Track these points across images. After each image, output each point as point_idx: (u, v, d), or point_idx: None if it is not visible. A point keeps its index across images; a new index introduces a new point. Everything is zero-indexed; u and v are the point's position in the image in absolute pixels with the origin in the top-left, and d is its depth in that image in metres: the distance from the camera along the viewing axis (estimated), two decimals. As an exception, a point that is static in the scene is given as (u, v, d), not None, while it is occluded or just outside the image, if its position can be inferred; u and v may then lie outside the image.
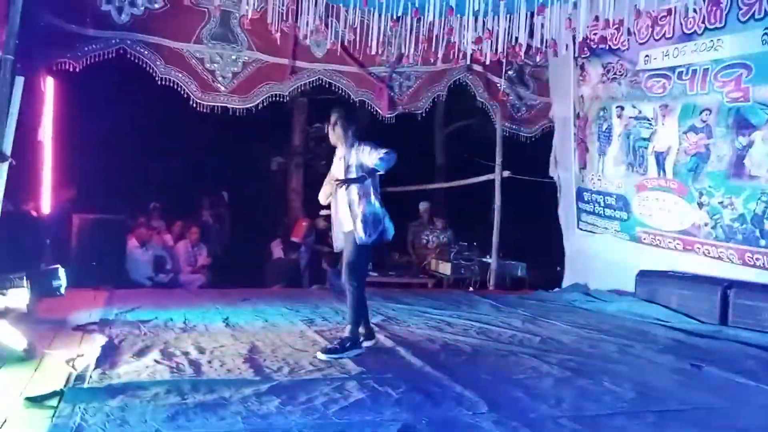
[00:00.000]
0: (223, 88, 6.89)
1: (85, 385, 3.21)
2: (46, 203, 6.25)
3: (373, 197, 4.27)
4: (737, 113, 6.09)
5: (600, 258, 7.86)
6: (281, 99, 7.35)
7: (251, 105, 7.06)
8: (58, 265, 4.94)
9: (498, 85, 8.22)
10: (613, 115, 7.53)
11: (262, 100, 7.12)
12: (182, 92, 6.83)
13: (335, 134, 4.33)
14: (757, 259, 5.97)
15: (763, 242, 5.90)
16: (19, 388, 3.08)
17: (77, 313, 5.19)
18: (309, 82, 7.35)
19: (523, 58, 6.68)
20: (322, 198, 4.53)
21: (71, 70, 6.36)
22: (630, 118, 7.31)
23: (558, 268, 8.84)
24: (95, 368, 3.52)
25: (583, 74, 7.90)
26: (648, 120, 7.09)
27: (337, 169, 4.37)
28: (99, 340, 4.23)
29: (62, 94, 6.50)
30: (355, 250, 4.28)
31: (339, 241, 4.52)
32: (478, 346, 4.89)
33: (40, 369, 3.57)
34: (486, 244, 8.66)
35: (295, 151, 11.64)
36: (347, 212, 4.27)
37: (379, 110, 7.69)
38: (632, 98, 7.26)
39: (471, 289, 8.25)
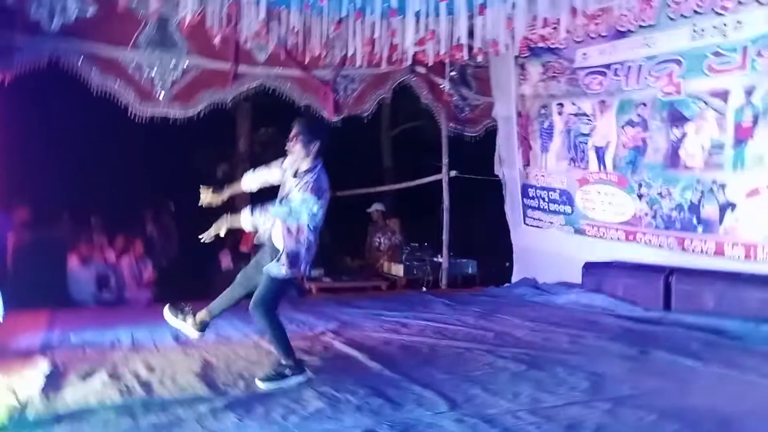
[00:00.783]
0: (162, 97, 6.68)
1: (30, 415, 3.05)
2: (-23, 223, 5.94)
3: (300, 234, 3.74)
4: (671, 107, 6.33)
5: (547, 252, 8.02)
6: (224, 105, 7.19)
7: (192, 113, 6.88)
8: (-7, 289, 4.69)
9: (441, 86, 8.29)
10: (553, 113, 7.71)
11: (205, 107, 6.94)
12: (120, 103, 6.59)
13: (293, 150, 3.80)
14: (695, 245, 6.21)
15: (700, 229, 6.14)
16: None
17: (17, 338, 4.95)
18: (252, 87, 7.22)
19: (465, 58, 6.74)
20: (246, 183, 4.07)
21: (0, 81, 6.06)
22: (570, 114, 7.50)
23: (507, 264, 8.99)
24: (39, 395, 3.36)
25: (523, 73, 8.06)
26: (587, 116, 7.29)
27: (278, 174, 3.95)
28: (42, 364, 4.04)
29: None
30: (268, 289, 3.79)
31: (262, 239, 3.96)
32: (434, 345, 4.92)
33: (-21, 399, 3.38)
34: (437, 243, 8.72)
35: (241, 158, 11.43)
36: (273, 233, 3.81)
37: (324, 114, 7.63)
38: (571, 95, 7.45)
39: (424, 288, 8.30)
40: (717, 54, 5.85)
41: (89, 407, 3.20)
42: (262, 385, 3.64)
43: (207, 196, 3.99)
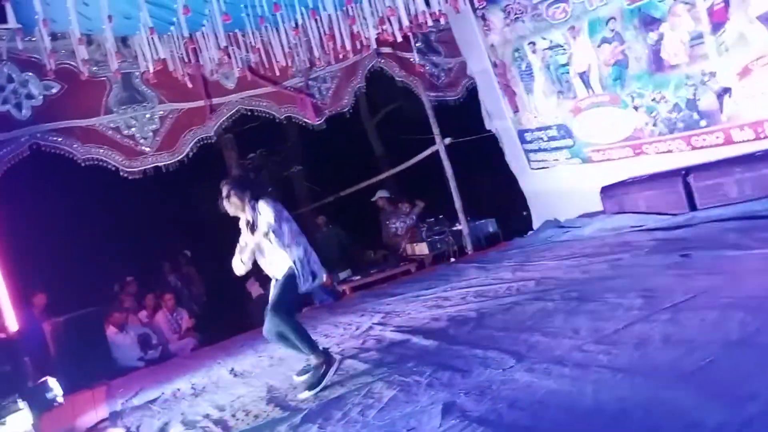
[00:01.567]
0: (148, 149, 6.71)
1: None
2: (11, 321, 5.98)
3: (297, 243, 4.10)
4: (640, 12, 6.28)
5: (559, 189, 8.01)
6: (209, 140, 7.19)
7: (181, 156, 6.89)
8: (47, 377, 4.74)
9: (411, 60, 8.27)
10: (527, 53, 7.66)
11: (191, 148, 6.96)
12: (110, 166, 6.62)
13: (232, 205, 4.16)
14: (703, 140, 6.19)
15: (703, 123, 6.12)
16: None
17: (83, 417, 5.01)
18: (230, 115, 7.22)
19: (429, 24, 6.69)
20: (240, 268, 4.22)
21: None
22: (544, 50, 7.45)
23: (524, 213, 8.99)
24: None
25: (486, 23, 8.01)
26: (561, 46, 7.24)
27: (247, 236, 4.15)
28: (116, 430, 4.09)
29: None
30: (283, 291, 4.08)
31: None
32: (480, 308, 4.92)
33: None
34: (452, 212, 8.72)
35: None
36: (279, 263, 4.10)
37: (306, 121, 7.63)
38: (540, 31, 7.40)
39: (452, 259, 8.31)
40: (670, -53, 5.80)
41: (175, 459, 3.24)
42: (308, 395, 3.74)
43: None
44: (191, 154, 6.98)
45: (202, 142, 7.08)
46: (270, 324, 4.02)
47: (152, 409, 4.61)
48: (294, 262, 4.03)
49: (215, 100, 7.07)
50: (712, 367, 2.50)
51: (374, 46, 7.15)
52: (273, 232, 3.97)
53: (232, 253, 4.22)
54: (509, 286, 5.49)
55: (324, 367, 3.90)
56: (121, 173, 6.65)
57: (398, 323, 5.21)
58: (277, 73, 7.05)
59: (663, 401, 2.32)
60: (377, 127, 13.43)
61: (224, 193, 4.17)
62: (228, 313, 9.37)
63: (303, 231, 4.24)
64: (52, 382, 4.68)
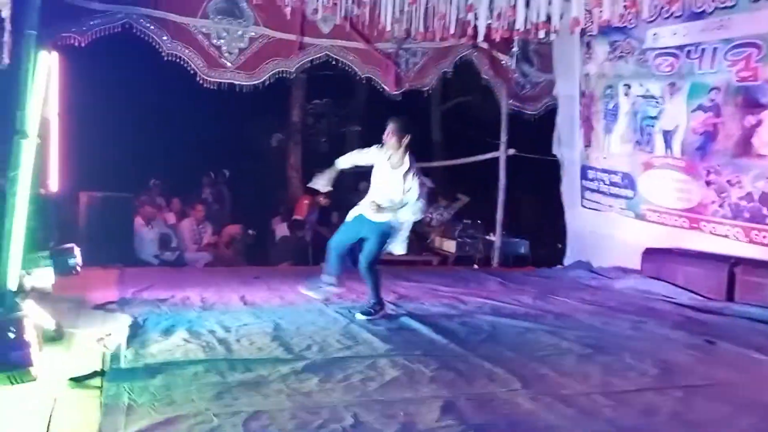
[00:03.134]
0: (229, 64, 6.80)
1: (123, 365, 3.21)
2: (54, 181, 6.15)
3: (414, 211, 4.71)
4: (746, 92, 6.13)
5: (603, 235, 7.92)
6: (288, 75, 7.26)
7: (258, 82, 6.97)
8: (73, 244, 4.88)
9: (503, 62, 8.19)
10: (620, 93, 7.54)
11: (269, 77, 7.03)
12: (188, 68, 6.72)
13: (390, 141, 4.64)
14: (763, 236, 6.07)
15: (770, 220, 5.99)
16: (58, 368, 3.07)
17: (93, 292, 5.18)
18: (316, 58, 7.26)
19: (537, 35, 6.59)
20: (340, 163, 4.94)
21: (76, 45, 6.23)
22: (637, 96, 7.32)
23: (559, 246, 8.93)
24: (127, 347, 3.53)
25: (589, 52, 7.88)
26: (655, 98, 7.11)
27: (384, 172, 4.69)
28: (123, 319, 4.23)
29: (66, 70, 6.37)
30: (379, 242, 4.74)
31: (353, 214, 4.94)
32: (494, 323, 4.94)
33: (72, 348, 3.56)
34: (490, 221, 8.70)
35: (295, 128, 11.55)
36: (391, 208, 4.63)
37: (386, 87, 7.63)
38: (639, 76, 7.26)
39: (476, 266, 8.31)
40: (802, 39, 5.63)
41: (177, 361, 3.34)
42: (361, 317, 4.66)
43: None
44: (267, 83, 7.05)
45: (280, 75, 7.14)
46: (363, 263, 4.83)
47: (160, 308, 4.75)
48: (397, 222, 4.66)
49: (307, 39, 7.10)
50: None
51: (481, 38, 7.08)
52: (411, 184, 4.54)
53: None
54: (527, 312, 5.50)
55: (381, 309, 4.79)
56: (198, 79, 6.75)
57: (411, 309, 5.25)
58: (374, 33, 7.05)
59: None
60: (443, 115, 13.37)
61: (389, 129, 4.63)
62: (247, 243, 9.50)
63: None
64: (77, 250, 4.81)
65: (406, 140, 4.62)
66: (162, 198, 9.11)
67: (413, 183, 4.58)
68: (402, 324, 4.68)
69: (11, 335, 2.55)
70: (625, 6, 6.14)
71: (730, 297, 6.04)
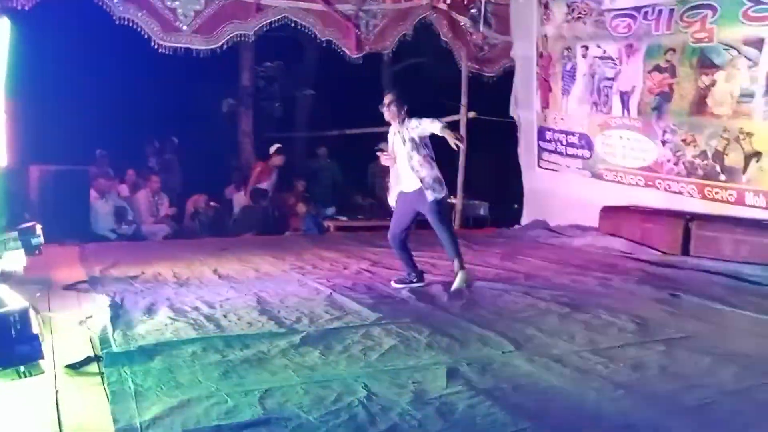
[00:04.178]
0: (185, 28, 6.49)
1: (116, 349, 3.11)
2: (2, 156, 5.79)
3: (432, 162, 4.89)
4: (701, 53, 6.33)
5: (560, 195, 8.13)
6: (246, 39, 7.01)
7: (215, 46, 6.71)
8: (35, 222, 4.65)
9: (462, 24, 8.15)
10: (577, 55, 7.66)
11: (227, 41, 6.77)
12: (142, 32, 6.38)
13: (390, 112, 4.81)
14: (716, 192, 6.36)
15: (723, 177, 6.28)
16: (48, 355, 2.94)
17: (57, 272, 4.97)
18: (274, 21, 7.03)
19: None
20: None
21: (19, 8, 5.81)
22: (595, 57, 7.46)
23: (516, 206, 9.11)
24: (114, 330, 3.41)
25: (546, 13, 7.94)
26: (613, 59, 7.25)
27: (396, 143, 4.86)
28: (99, 299, 4.08)
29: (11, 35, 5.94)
30: (435, 207, 4.86)
31: (392, 199, 5.13)
32: (473, 286, 5.01)
33: (54, 332, 3.42)
34: (450, 184, 8.74)
35: (245, 92, 11.21)
36: (411, 175, 4.82)
37: (346, 51, 7.48)
38: (597, 38, 7.39)
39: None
40: (755, 1, 5.82)
41: (170, 342, 3.25)
42: (395, 285, 4.87)
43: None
44: (225, 47, 6.79)
45: (238, 39, 6.89)
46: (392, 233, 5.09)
47: (134, 286, 4.61)
48: (431, 178, 4.81)
49: (265, 0, 6.85)
50: (713, 409, 2.65)
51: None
52: (416, 145, 4.72)
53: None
54: (497, 273, 5.62)
55: (416, 278, 4.96)
56: (153, 44, 6.43)
57: (387, 276, 5.28)
58: (334, -6, 6.88)
59: (668, 427, 2.45)
60: (395, 76, 13.22)
61: (386, 101, 4.79)
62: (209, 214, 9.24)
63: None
64: (39, 228, 4.59)
65: (404, 109, 4.78)
66: (112, 169, 8.74)
67: (417, 121, 4.72)
68: (384, 293, 4.70)
69: (16, 328, 2.42)
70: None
71: (685, 251, 6.33)
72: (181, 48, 6.63)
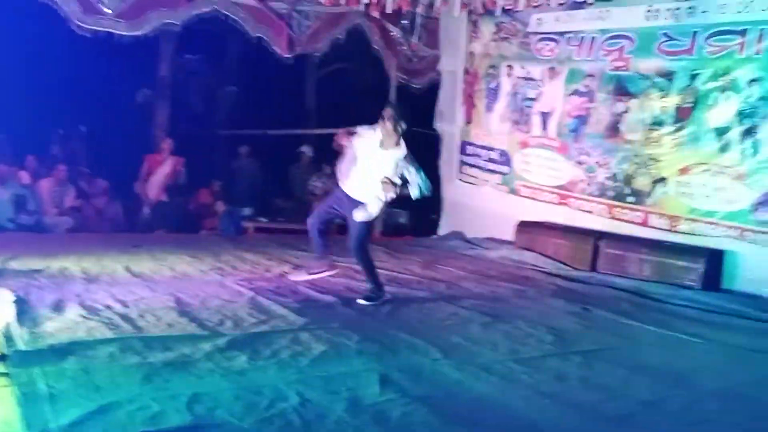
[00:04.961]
0: (108, 11, 6.12)
1: (24, 347, 2.85)
2: None
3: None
4: (618, 81, 6.70)
5: (477, 208, 8.34)
6: (172, 27, 6.71)
7: (140, 33, 6.38)
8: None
9: (393, 34, 8.22)
10: (502, 74, 7.90)
11: (153, 29, 6.45)
12: (61, 12, 5.96)
13: (386, 129, 4.67)
14: (624, 213, 6.73)
15: (630, 199, 6.65)
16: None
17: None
18: (203, 12, 6.78)
19: (423, 7, 6.66)
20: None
21: None
22: (518, 77, 7.72)
23: (433, 216, 9.26)
24: (20, 327, 3.14)
25: (475, 30, 8.15)
26: (535, 80, 7.54)
27: (373, 152, 4.69)
28: (3, 293, 3.75)
29: None
30: (362, 225, 4.72)
31: (347, 188, 4.80)
32: (395, 293, 5.01)
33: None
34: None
35: (163, 83, 10.74)
36: (366, 187, 4.64)
37: (277, 49, 7.34)
38: (522, 58, 7.65)
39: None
40: (667, 36, 6.24)
41: (84, 341, 3.03)
42: (363, 302, 4.57)
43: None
44: (151, 35, 6.48)
45: (165, 27, 6.59)
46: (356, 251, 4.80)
47: (39, 281, 4.28)
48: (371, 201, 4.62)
49: (195, -10, 6.59)
50: (633, 419, 2.78)
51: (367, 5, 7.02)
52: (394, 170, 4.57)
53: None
54: (419, 281, 5.68)
55: (381, 293, 4.71)
56: (72, 25, 6.02)
57: (311, 281, 5.18)
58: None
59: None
60: (320, 81, 13.13)
61: (386, 116, 4.66)
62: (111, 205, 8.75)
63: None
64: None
65: (401, 126, 4.71)
66: (11, 155, 8.10)
67: (410, 165, 4.69)
68: (309, 296, 4.61)
69: None
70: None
71: (593, 267, 6.65)
72: (100, 32, 6.23)
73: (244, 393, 2.56)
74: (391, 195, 4.60)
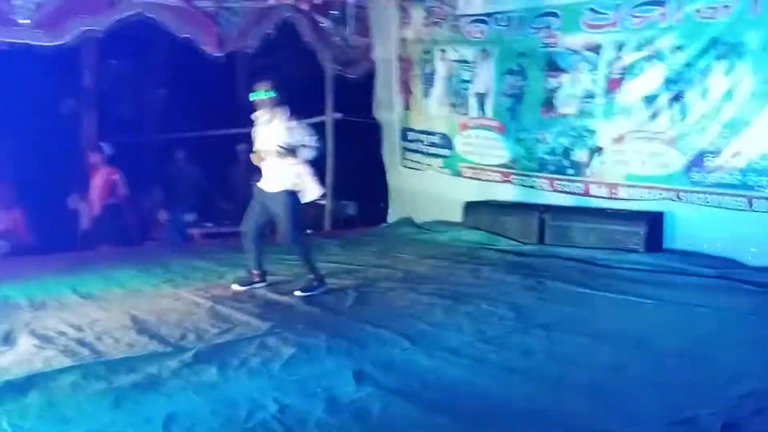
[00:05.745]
0: (27, 21, 5.80)
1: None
2: None
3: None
4: (549, 57, 6.86)
5: (423, 192, 8.42)
6: (95, 35, 6.43)
7: (60, 42, 6.08)
8: None
9: (324, 25, 8.14)
10: (435, 58, 7.95)
11: (74, 37, 6.17)
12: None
13: (263, 101, 4.81)
14: (565, 185, 6.94)
15: (570, 171, 6.86)
16: None
17: None
18: (128, 17, 6.51)
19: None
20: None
21: None
22: (452, 61, 7.79)
23: (381, 204, 9.29)
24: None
25: (405, 16, 8.16)
26: (468, 63, 7.63)
27: (261, 130, 4.87)
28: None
29: None
30: (290, 209, 4.77)
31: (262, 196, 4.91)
32: (355, 286, 5.03)
33: None
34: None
35: (87, 92, 10.30)
36: (278, 175, 4.75)
37: (206, 48, 7.14)
38: (454, 42, 7.72)
39: (309, 231, 8.31)
40: (592, 10, 6.42)
41: (43, 372, 2.90)
42: (299, 294, 4.62)
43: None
44: (73, 43, 6.19)
45: (88, 35, 6.31)
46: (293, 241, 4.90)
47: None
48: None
49: (118, -6, 6.33)
50: (599, 386, 2.88)
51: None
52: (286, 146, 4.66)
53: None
54: (377, 271, 5.70)
55: (321, 283, 4.79)
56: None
57: (270, 281, 5.13)
58: (193, -10, 6.52)
59: (566, 408, 2.63)
60: (252, 78, 12.88)
61: (262, 87, 4.80)
62: (40, 224, 8.38)
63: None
64: None
65: (274, 102, 4.81)
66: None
67: (297, 126, 4.80)
68: (269, 299, 4.56)
69: None
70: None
71: (541, 240, 6.84)
72: (17, 44, 5.91)
73: (220, 407, 2.52)
74: (290, 161, 4.71)
